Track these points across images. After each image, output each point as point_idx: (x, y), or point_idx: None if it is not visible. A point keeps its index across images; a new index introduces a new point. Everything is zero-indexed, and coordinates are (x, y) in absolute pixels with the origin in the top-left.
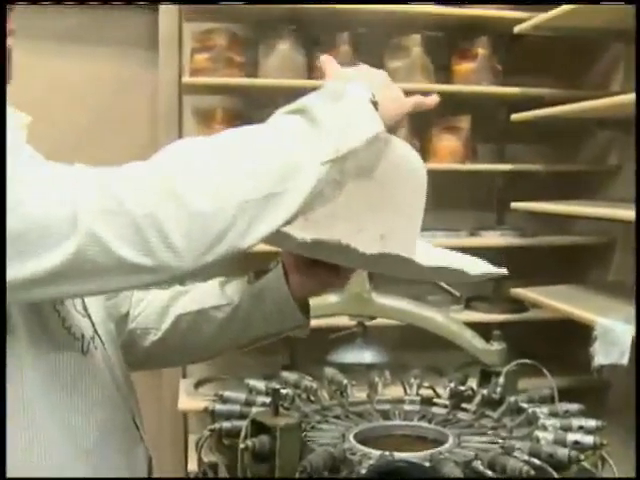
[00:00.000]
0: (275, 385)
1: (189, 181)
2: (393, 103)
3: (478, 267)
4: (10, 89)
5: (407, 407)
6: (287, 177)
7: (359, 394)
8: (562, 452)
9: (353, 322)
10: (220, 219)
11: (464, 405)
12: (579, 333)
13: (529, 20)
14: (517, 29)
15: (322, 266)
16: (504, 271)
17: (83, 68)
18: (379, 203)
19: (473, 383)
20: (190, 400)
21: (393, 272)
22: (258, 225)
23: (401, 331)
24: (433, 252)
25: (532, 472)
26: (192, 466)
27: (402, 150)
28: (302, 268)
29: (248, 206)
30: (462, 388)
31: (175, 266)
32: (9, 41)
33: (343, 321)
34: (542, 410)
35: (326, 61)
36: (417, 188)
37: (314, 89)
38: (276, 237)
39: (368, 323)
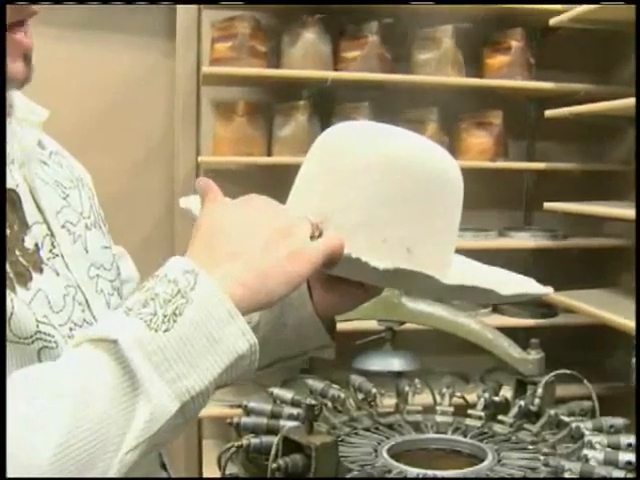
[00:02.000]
0: (302, 395)
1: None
2: (288, 260)
3: (511, 286)
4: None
5: (439, 418)
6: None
7: (386, 401)
8: (616, 474)
9: (381, 327)
10: None
11: (500, 417)
12: (610, 339)
13: (565, 12)
14: (553, 21)
15: (349, 280)
16: (548, 290)
17: (100, 57)
18: (407, 213)
19: (507, 392)
20: (206, 406)
21: (415, 289)
22: None
23: (422, 335)
24: (464, 266)
25: None
26: (208, 475)
27: (437, 158)
28: (327, 282)
29: None
30: (497, 399)
31: None
32: (26, 40)
33: (368, 325)
34: (586, 425)
35: (204, 191)
36: (452, 199)
37: (339, 81)
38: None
39: (397, 328)
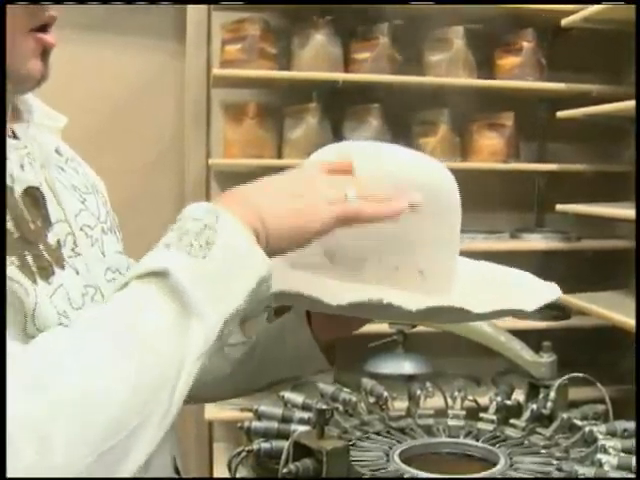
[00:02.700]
0: (313, 399)
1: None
2: (289, 218)
3: (538, 297)
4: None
5: (451, 422)
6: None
7: (398, 405)
8: None
9: (393, 330)
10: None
11: (512, 421)
12: (623, 341)
13: (576, 12)
14: (564, 22)
15: None
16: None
17: (110, 59)
18: (415, 235)
19: (519, 395)
20: (217, 410)
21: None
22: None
23: (434, 338)
24: (480, 277)
25: None
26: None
27: (432, 174)
28: None
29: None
30: (509, 402)
31: None
32: (51, 37)
33: (380, 328)
34: (599, 429)
35: None
36: (452, 213)
37: (350, 83)
38: (302, 301)
39: (408, 331)
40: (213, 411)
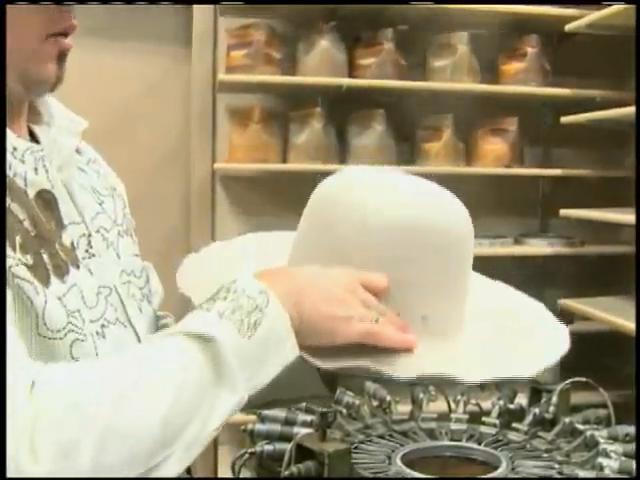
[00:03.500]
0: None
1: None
2: (324, 320)
3: (540, 358)
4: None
5: (454, 426)
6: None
7: (401, 408)
8: None
9: None
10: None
11: (514, 424)
12: (627, 346)
13: (582, 18)
14: (568, 27)
15: None
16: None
17: (115, 64)
18: (419, 278)
19: (522, 400)
20: None
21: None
22: None
23: None
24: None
25: None
26: None
27: (444, 216)
28: None
29: None
30: (511, 406)
31: None
32: (69, 40)
33: None
34: (601, 433)
35: None
36: (461, 256)
37: (354, 88)
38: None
39: None
40: None
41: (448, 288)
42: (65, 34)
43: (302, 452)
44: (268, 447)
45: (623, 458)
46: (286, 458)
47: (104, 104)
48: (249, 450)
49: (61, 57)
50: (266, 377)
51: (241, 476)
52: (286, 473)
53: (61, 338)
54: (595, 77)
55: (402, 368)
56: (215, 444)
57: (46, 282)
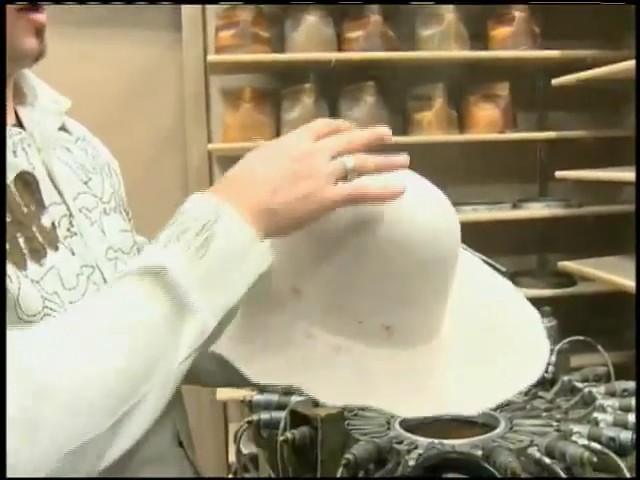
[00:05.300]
0: None
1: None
2: (299, 203)
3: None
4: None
5: None
6: (138, 387)
7: None
8: (625, 436)
9: None
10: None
11: None
12: (629, 305)
13: None
14: None
15: None
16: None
17: (108, 52)
18: (387, 292)
19: None
20: (229, 389)
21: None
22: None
23: None
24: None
25: (594, 458)
26: (233, 457)
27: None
28: None
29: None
30: None
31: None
32: (42, 16)
33: None
34: (599, 390)
35: None
36: (441, 273)
37: (344, 62)
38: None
39: None
40: (225, 392)
41: (416, 300)
42: (35, 9)
43: (297, 418)
44: (265, 415)
45: (619, 412)
46: (282, 424)
47: (99, 91)
48: (247, 419)
49: (39, 32)
50: (233, 295)
51: (243, 447)
52: (281, 439)
53: (37, 322)
54: (586, 38)
55: (333, 393)
56: (225, 421)
57: (23, 266)
